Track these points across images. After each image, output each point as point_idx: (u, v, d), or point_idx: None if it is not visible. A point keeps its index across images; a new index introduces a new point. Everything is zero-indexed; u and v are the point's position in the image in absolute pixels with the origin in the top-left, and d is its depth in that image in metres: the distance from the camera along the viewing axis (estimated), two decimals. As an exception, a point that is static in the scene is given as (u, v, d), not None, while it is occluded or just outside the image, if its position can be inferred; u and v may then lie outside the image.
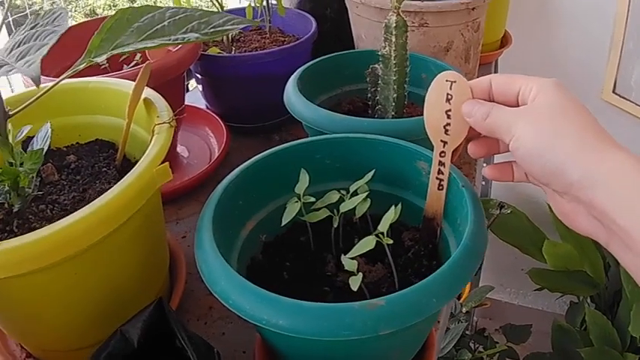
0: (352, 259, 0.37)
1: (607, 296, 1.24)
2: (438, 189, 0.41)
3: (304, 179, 0.42)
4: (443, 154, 0.40)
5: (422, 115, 0.40)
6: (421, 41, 0.63)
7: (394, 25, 0.49)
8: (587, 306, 1.23)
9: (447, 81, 0.37)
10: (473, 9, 0.64)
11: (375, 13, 0.63)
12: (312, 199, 0.42)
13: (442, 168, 0.41)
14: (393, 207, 0.38)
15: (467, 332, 1.13)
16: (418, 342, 0.42)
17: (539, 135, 0.32)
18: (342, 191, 0.42)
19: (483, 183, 1.34)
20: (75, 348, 0.43)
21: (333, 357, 0.36)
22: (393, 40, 0.49)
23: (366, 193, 0.41)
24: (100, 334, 0.40)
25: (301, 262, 0.43)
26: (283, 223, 0.41)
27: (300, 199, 0.41)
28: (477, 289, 1.08)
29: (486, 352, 1.10)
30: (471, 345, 1.13)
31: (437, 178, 0.41)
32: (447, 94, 0.37)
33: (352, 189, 0.42)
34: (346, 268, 0.36)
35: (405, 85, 0.52)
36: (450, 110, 0.38)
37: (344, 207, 0.41)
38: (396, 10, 0.49)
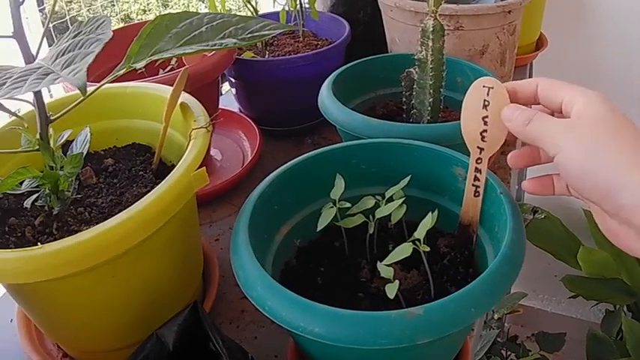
0: (388, 265, 0.36)
1: (645, 305, 1.20)
2: (475, 196, 0.41)
3: (340, 184, 0.42)
4: (479, 161, 0.40)
5: (458, 119, 0.39)
6: (456, 44, 0.62)
7: (431, 29, 0.48)
8: (624, 315, 1.19)
9: (484, 87, 0.37)
10: (509, 12, 0.63)
11: (410, 17, 0.62)
12: (348, 205, 0.41)
13: (478, 175, 0.40)
14: (430, 213, 0.38)
15: (498, 339, 1.10)
16: (454, 350, 0.41)
17: (590, 152, 0.31)
18: (377, 197, 0.42)
19: (517, 187, 1.31)
20: (112, 349, 0.43)
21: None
22: (430, 44, 0.48)
23: (402, 200, 0.40)
24: (136, 335, 0.40)
25: (335, 267, 0.43)
26: (319, 229, 0.41)
27: (335, 205, 0.41)
28: (510, 295, 1.06)
29: (519, 360, 1.08)
30: (503, 352, 1.10)
31: (473, 185, 0.41)
32: (484, 100, 0.37)
33: (388, 195, 0.42)
34: (382, 275, 0.36)
35: (442, 90, 0.52)
36: (486, 117, 0.37)
37: (379, 213, 0.40)
38: (433, 14, 0.48)
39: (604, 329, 1.22)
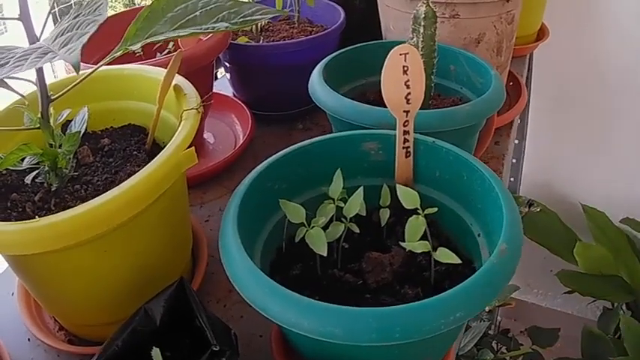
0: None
1: (645, 304, 1.18)
2: (406, 157, 0.43)
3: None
4: (406, 123, 0.42)
5: (449, 106, 0.40)
6: (452, 33, 0.62)
7: (423, 15, 0.48)
8: (623, 313, 1.18)
9: (400, 54, 0.40)
10: (507, 0, 0.62)
11: (404, 4, 0.62)
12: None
13: (407, 136, 0.42)
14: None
15: (489, 332, 1.11)
16: (444, 349, 0.41)
17: None
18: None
19: (512, 179, 1.31)
20: (104, 323, 0.45)
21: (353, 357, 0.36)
22: (422, 30, 0.49)
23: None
24: (127, 310, 0.41)
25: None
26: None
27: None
28: (502, 287, 1.06)
29: (509, 353, 1.08)
30: (494, 345, 1.11)
31: (403, 148, 0.43)
32: (404, 66, 0.40)
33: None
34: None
35: (432, 77, 0.52)
36: (408, 81, 0.40)
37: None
38: (425, 1, 0.48)
39: (600, 327, 1.21)
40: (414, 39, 0.50)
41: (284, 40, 0.75)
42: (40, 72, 0.42)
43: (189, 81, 0.49)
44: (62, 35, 0.38)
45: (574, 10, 1.18)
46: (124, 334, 0.36)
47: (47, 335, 0.46)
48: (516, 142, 1.24)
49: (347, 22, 0.75)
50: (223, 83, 0.84)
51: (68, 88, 0.43)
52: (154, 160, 0.40)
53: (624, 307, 1.23)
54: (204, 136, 0.74)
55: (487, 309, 0.96)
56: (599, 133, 1.31)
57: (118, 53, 0.41)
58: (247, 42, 0.74)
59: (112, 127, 0.54)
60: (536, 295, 1.59)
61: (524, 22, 0.79)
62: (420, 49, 0.50)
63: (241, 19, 0.43)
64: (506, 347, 1.11)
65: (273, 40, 0.76)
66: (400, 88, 0.40)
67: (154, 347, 0.34)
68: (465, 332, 0.94)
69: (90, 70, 0.44)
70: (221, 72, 0.92)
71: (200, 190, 0.65)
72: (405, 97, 0.40)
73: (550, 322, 1.28)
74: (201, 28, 0.43)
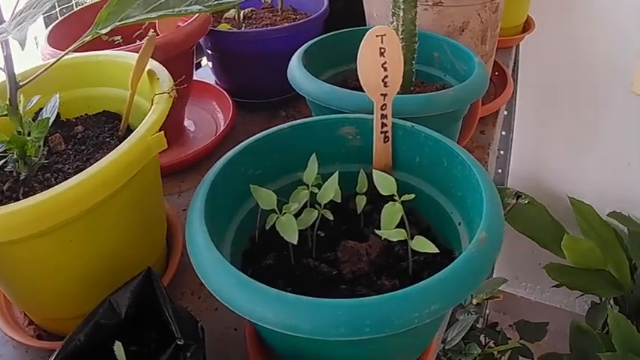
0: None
1: (632, 300, 1.19)
2: (384, 142, 0.42)
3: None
4: (384, 107, 0.41)
5: (431, 92, 0.39)
6: (436, 20, 0.61)
7: (403, -1, 0.47)
8: (611, 308, 1.18)
9: (377, 36, 0.38)
10: (492, -11, 0.61)
11: (388, -9, 0.61)
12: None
13: (385, 121, 0.41)
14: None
15: (477, 325, 1.10)
16: (424, 343, 0.40)
17: None
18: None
19: (499, 171, 1.31)
20: (73, 316, 0.43)
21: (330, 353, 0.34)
22: (401, 14, 0.47)
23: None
24: (96, 303, 0.40)
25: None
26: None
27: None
28: (490, 280, 1.05)
29: (497, 347, 1.07)
30: (482, 339, 1.10)
31: (381, 132, 0.42)
32: (380, 48, 0.39)
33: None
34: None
35: (414, 62, 0.51)
36: (385, 63, 0.39)
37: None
38: (405, -16, 0.47)
39: (589, 321, 1.21)
40: (394, 23, 0.48)
41: (267, 27, 0.74)
42: (8, 57, 0.41)
43: (168, 67, 0.48)
44: (20, 15, 0.38)
45: (559, 3, 1.17)
46: (86, 328, 0.35)
47: (16, 331, 0.45)
48: (503, 133, 1.23)
49: (330, 10, 0.74)
50: (206, 72, 0.83)
51: (37, 73, 0.42)
52: (122, 143, 0.38)
53: (612, 302, 1.24)
54: (185, 123, 0.73)
55: (475, 302, 0.96)
56: (587, 126, 1.31)
57: (89, 37, 0.40)
58: (229, 29, 0.72)
59: (86, 114, 0.53)
60: (524, 288, 1.59)
61: (509, 14, 0.79)
62: (400, 33, 0.48)
63: (215, 2, 0.42)
64: (494, 341, 1.10)
65: (255, 28, 0.75)
66: (377, 70, 0.39)
67: (116, 341, 0.33)
68: (452, 325, 0.94)
69: (58, 57, 0.43)
70: (205, 61, 0.91)
71: (178, 178, 0.64)
72: (383, 80, 0.39)
73: (538, 315, 1.29)
74: (174, 11, 0.41)
